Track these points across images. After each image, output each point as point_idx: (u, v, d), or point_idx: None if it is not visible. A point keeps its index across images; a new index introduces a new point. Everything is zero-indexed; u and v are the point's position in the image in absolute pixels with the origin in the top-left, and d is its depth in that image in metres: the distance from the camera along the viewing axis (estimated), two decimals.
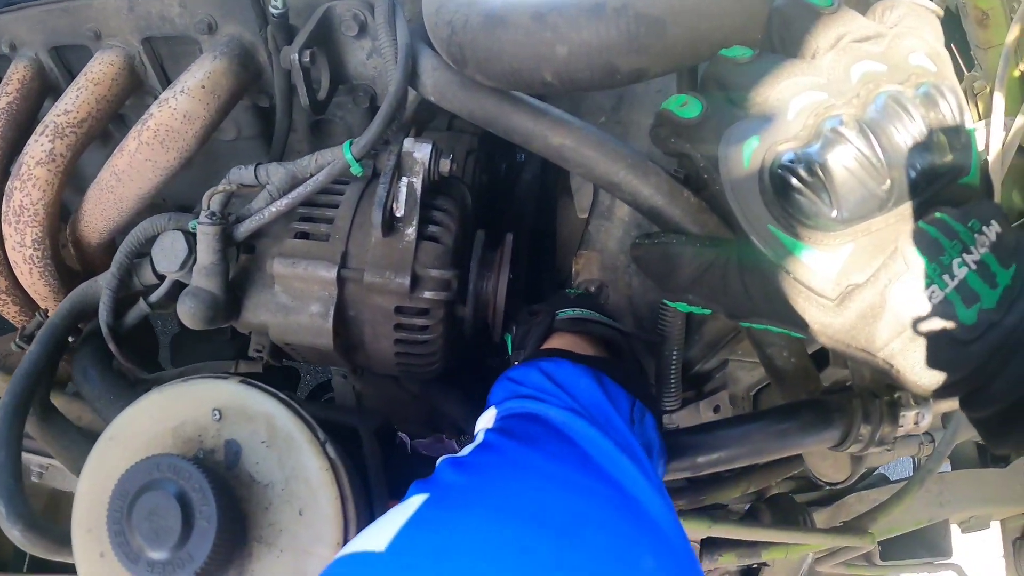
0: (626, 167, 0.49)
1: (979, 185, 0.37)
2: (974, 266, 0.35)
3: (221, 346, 1.01)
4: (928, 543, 1.06)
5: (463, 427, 0.79)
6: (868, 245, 0.35)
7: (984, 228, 0.36)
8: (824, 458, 0.75)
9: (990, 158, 0.55)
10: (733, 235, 0.43)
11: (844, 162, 0.34)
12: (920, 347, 0.35)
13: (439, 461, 0.43)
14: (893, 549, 1.03)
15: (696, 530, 0.74)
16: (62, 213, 0.71)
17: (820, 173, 0.34)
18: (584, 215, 0.75)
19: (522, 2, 0.43)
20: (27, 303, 0.75)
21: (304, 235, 0.63)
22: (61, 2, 0.69)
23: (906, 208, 0.35)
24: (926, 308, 0.35)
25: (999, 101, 0.53)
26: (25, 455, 0.84)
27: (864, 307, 0.36)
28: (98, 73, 0.70)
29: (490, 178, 0.92)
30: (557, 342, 0.64)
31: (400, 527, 0.35)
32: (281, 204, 0.61)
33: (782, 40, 0.39)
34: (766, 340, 0.57)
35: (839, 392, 0.56)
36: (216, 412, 0.50)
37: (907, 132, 0.34)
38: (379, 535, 0.35)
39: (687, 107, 0.40)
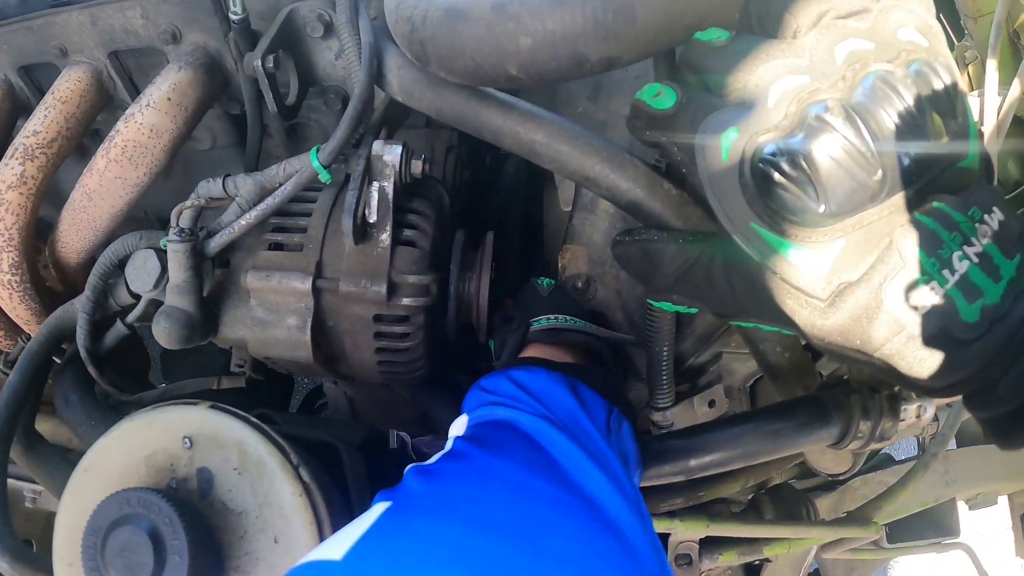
0: (601, 160, 0.46)
1: (978, 169, 0.34)
2: (976, 259, 0.32)
3: (211, 357, 0.99)
4: (935, 523, 1.05)
5: None
6: (860, 240, 0.33)
7: (985, 216, 0.33)
8: (824, 452, 0.73)
9: (985, 130, 0.52)
10: (717, 229, 0.41)
11: (830, 152, 0.31)
12: (920, 347, 0.33)
13: (406, 469, 0.42)
14: (900, 531, 1.02)
15: (694, 529, 0.72)
16: (43, 230, 0.70)
17: (804, 165, 0.31)
18: (568, 208, 0.73)
19: None
20: (11, 327, 0.74)
21: (278, 246, 0.62)
22: (24, 21, 0.67)
23: (900, 198, 0.32)
24: (925, 306, 0.32)
25: (992, 72, 0.50)
26: (17, 482, 0.84)
27: (858, 307, 0.33)
28: (65, 91, 0.68)
29: (473, 173, 0.89)
30: (533, 351, 0.63)
31: (359, 536, 0.35)
32: (251, 216, 0.59)
33: (760, 20, 0.36)
34: (758, 337, 0.55)
35: (837, 386, 0.54)
36: (187, 440, 0.48)
37: (899, 116, 0.31)
38: (338, 544, 0.35)
39: (661, 97, 0.37)
